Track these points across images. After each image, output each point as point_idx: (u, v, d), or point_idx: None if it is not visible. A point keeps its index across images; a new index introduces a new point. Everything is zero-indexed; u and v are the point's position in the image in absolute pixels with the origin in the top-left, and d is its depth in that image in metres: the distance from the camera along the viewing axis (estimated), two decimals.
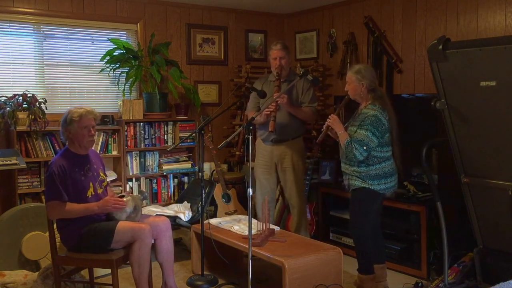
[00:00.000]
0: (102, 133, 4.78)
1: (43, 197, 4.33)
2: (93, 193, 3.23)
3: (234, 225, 3.96)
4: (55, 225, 3.26)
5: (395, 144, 3.45)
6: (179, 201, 4.84)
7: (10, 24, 4.60)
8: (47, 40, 4.79)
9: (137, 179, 5.03)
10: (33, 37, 4.73)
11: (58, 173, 3.09)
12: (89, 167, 3.27)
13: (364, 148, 3.31)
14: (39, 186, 4.43)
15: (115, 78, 5.03)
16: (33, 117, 4.25)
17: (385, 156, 3.43)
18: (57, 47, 4.85)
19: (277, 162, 4.31)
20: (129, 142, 4.94)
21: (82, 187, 3.18)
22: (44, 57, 4.78)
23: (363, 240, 3.48)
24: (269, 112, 3.97)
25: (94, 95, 5.08)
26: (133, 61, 4.98)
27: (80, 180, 3.18)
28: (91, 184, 3.23)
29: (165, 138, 5.15)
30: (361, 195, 3.46)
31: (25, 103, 4.28)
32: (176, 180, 5.25)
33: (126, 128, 4.89)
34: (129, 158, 4.98)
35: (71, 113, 3.19)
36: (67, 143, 3.30)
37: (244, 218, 4.15)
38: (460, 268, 3.67)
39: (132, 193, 3.56)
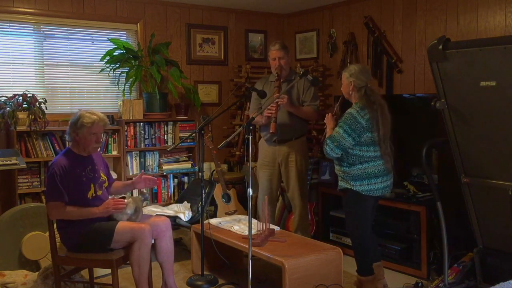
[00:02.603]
0: (103, 133, 4.77)
1: (43, 197, 4.33)
2: (94, 195, 3.23)
3: (234, 225, 3.96)
4: (55, 225, 3.26)
5: (384, 144, 3.34)
6: (179, 201, 4.83)
7: (10, 24, 4.60)
8: (47, 40, 4.79)
9: None
10: (33, 37, 4.73)
11: (59, 173, 3.08)
12: (90, 168, 3.26)
13: (335, 144, 3.29)
14: (39, 186, 4.43)
15: (115, 78, 5.03)
16: (33, 117, 4.25)
17: (368, 156, 3.35)
18: (57, 47, 4.85)
19: (280, 163, 4.29)
20: (129, 142, 4.94)
21: (83, 188, 3.18)
22: (44, 57, 4.78)
23: (359, 241, 3.47)
24: (269, 114, 3.96)
25: (94, 95, 5.08)
26: (133, 61, 4.98)
27: (81, 181, 3.18)
28: (92, 186, 3.23)
29: (165, 138, 5.15)
30: (346, 196, 3.46)
31: (25, 103, 4.28)
32: (176, 180, 5.25)
33: (126, 128, 4.89)
34: (129, 158, 4.98)
35: (83, 118, 3.16)
36: (69, 144, 3.29)
37: (244, 218, 4.15)
38: (460, 268, 3.67)
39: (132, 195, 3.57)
